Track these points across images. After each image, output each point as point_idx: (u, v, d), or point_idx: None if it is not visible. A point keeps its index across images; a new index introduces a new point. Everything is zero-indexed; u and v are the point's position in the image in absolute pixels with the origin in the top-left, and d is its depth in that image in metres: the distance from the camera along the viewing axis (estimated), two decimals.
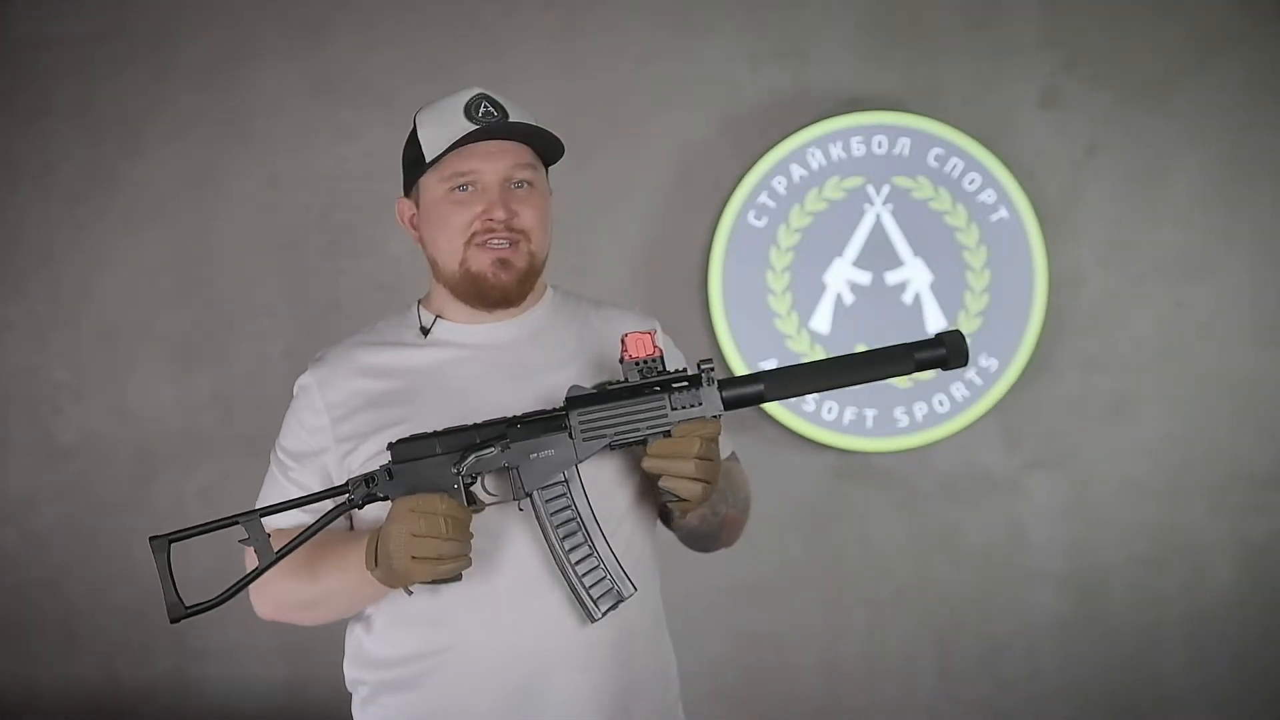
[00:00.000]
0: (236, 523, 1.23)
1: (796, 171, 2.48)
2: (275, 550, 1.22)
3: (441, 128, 1.31)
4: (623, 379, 1.22)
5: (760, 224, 2.48)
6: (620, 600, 1.24)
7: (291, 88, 2.57)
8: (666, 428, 1.20)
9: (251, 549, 1.23)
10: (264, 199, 2.58)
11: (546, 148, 1.36)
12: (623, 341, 1.21)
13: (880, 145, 2.46)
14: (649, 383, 1.21)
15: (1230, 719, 2.51)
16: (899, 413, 2.47)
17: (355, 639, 1.36)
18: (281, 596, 1.34)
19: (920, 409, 2.46)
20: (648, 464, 1.18)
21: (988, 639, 2.54)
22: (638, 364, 1.21)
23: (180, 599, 1.22)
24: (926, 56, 2.51)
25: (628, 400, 1.21)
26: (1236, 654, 2.50)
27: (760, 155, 2.48)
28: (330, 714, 2.53)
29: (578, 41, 2.54)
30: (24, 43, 2.60)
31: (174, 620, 1.21)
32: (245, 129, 2.58)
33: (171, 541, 1.24)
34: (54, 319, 2.62)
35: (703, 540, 1.38)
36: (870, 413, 2.47)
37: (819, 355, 2.48)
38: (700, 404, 1.20)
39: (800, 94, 2.51)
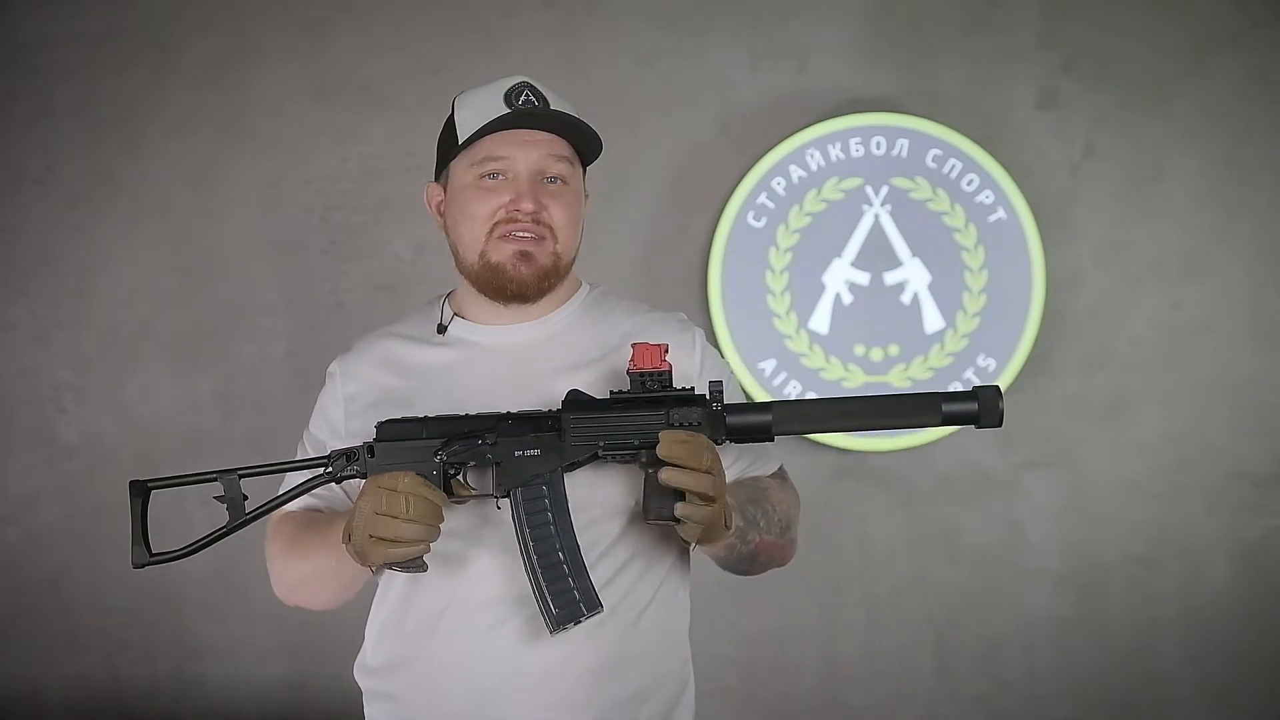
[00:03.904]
0: (216, 478, 1.23)
1: (795, 172, 2.49)
2: (245, 514, 1.23)
3: (478, 111, 1.25)
4: (629, 389, 1.17)
5: (759, 224, 2.49)
6: (581, 617, 1.15)
7: (293, 89, 2.58)
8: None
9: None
10: (265, 200, 2.59)
11: (585, 145, 1.31)
12: (632, 349, 1.16)
13: (879, 146, 2.47)
14: (651, 396, 1.15)
15: (1227, 717, 2.51)
16: None
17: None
18: (282, 575, 1.33)
19: None
20: (665, 474, 1.09)
21: (985, 638, 2.54)
22: (641, 376, 1.16)
23: (148, 547, 1.23)
24: (925, 58, 2.52)
25: (624, 410, 1.15)
26: (1233, 652, 2.51)
27: (759, 156, 2.49)
28: (330, 713, 2.54)
29: (578, 41, 2.55)
30: (26, 43, 2.61)
31: (137, 566, 1.23)
32: (246, 130, 2.59)
33: (150, 489, 1.25)
34: (56, 319, 2.63)
35: (736, 567, 1.30)
36: None
37: (818, 355, 2.49)
38: (699, 424, 1.14)
39: (799, 95, 2.52)
